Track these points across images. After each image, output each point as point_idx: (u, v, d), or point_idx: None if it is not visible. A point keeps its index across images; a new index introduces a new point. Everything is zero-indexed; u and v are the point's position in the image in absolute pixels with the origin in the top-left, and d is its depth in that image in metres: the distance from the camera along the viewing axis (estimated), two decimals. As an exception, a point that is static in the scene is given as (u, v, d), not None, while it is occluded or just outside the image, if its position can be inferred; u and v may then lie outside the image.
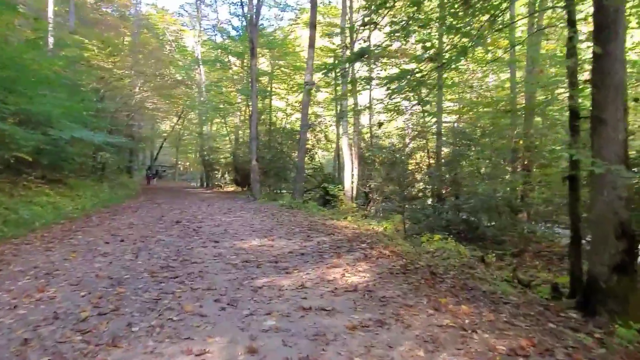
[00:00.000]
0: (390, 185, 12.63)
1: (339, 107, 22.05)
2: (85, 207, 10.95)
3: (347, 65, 5.85)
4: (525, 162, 11.67)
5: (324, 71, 6.84)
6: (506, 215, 11.30)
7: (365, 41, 5.87)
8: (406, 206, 12.55)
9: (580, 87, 5.20)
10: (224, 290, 4.31)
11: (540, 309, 4.08)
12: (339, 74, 11.54)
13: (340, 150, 22.94)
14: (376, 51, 5.41)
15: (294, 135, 20.37)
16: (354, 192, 11.88)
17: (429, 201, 15.11)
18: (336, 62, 6.50)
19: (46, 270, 4.82)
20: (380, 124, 8.30)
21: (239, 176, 25.93)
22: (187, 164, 53.19)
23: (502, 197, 11.04)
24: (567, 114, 9.22)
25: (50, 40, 17.36)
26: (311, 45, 13.43)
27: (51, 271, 4.77)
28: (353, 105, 12.80)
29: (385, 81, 5.37)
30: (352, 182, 11.78)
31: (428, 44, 5.11)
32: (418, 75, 5.16)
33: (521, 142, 11.33)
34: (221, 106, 25.45)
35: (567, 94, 5.44)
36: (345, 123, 11.92)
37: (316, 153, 20.99)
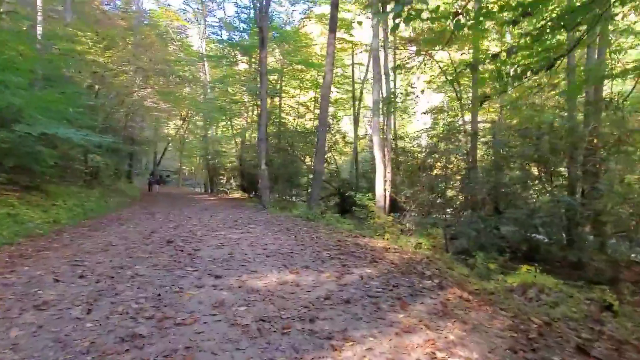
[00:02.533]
0: (427, 194, 10.54)
1: (356, 105, 20.05)
2: (60, 220, 8.93)
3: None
4: (597, 166, 9.55)
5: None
6: (576, 230, 9.15)
7: None
8: (448, 219, 10.46)
9: None
10: (228, 404, 2.23)
11: None
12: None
13: (361, 153, 20.94)
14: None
15: (308, 137, 18.34)
16: (387, 201, 9.80)
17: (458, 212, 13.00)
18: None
19: None
20: (485, 98, 6.15)
21: (245, 182, 24.00)
22: (193, 169, 51.28)
23: (569, 208, 8.89)
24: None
25: (39, 31, 15.58)
26: (332, 29, 11.40)
27: None
28: (390, 96, 10.56)
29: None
30: (385, 190, 9.70)
31: None
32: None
33: (595, 140, 9.22)
34: (227, 106, 23.45)
35: None
36: (377, 119, 9.81)
37: (333, 157, 18.90)
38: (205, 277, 4.82)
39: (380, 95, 9.90)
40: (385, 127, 10.52)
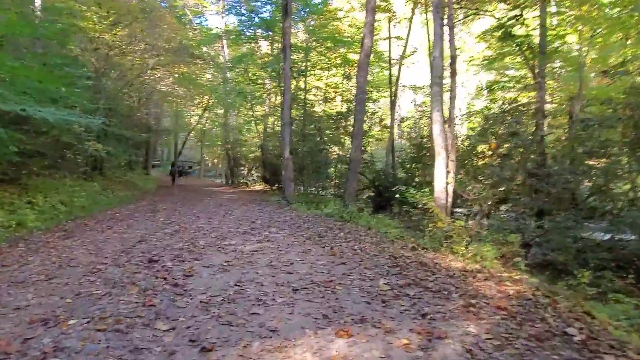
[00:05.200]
0: (498, 188, 8.11)
1: (393, 85, 17.50)
2: (27, 224, 6.94)
3: None
4: None
5: None
6: None
7: None
8: (525, 221, 7.99)
9: None
10: None
11: None
12: None
13: (397, 141, 18.51)
14: None
15: (338, 121, 15.98)
16: (449, 198, 7.42)
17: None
18: None
19: None
20: None
21: (267, 173, 21.89)
22: (215, 160, 49.61)
23: None
24: None
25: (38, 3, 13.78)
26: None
27: None
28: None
29: None
30: (447, 184, 7.31)
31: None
32: None
33: None
34: (247, 89, 21.24)
35: None
36: (437, 90, 7.33)
37: (367, 143, 16.44)
38: (182, 351, 2.61)
39: (442, 60, 7.45)
40: (449, 101, 8.03)
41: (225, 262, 5.03)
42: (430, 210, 7.04)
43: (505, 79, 14.74)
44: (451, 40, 7.69)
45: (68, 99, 10.59)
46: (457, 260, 5.57)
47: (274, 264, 5.03)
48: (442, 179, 7.31)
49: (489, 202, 8.16)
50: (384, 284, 4.27)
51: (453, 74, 7.67)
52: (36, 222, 7.21)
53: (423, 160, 12.96)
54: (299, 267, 4.88)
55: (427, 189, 7.47)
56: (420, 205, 8.01)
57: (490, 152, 9.16)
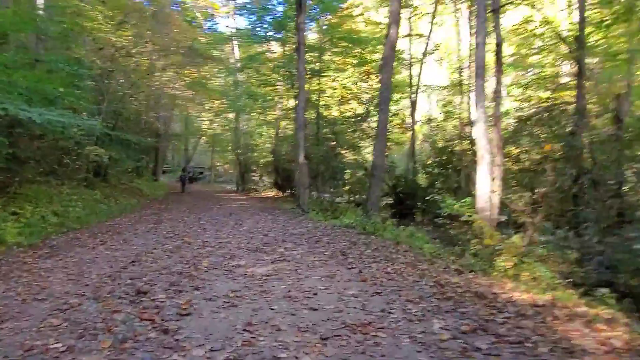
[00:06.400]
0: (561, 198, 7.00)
1: (413, 86, 16.43)
2: (7, 240, 6.03)
3: None
4: None
5: None
6: None
7: None
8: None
9: None
10: None
11: None
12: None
13: (417, 143, 17.43)
14: None
15: (356, 124, 14.96)
16: (495, 211, 6.31)
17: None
18: None
19: None
20: None
21: (280, 178, 20.95)
22: (227, 165, 48.80)
23: None
24: None
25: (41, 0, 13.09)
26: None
27: None
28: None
29: None
30: (493, 193, 6.22)
31: None
32: None
33: None
34: (258, 91, 20.33)
35: None
36: (480, 83, 6.27)
37: (388, 148, 15.33)
38: None
39: (485, 48, 6.40)
40: (493, 96, 6.95)
41: (233, 292, 4.04)
42: (472, 223, 5.96)
43: (535, 77, 13.66)
44: (497, 25, 6.65)
45: (64, 100, 9.81)
46: (519, 288, 4.49)
47: (292, 294, 4.02)
48: (486, 187, 6.24)
49: (541, 214, 7.07)
50: (440, 327, 3.23)
51: (499, 64, 6.63)
52: (19, 237, 6.32)
53: (451, 164, 11.87)
54: (325, 300, 3.86)
55: (467, 199, 6.39)
56: (446, 213, 6.93)
57: (538, 156, 8.03)
